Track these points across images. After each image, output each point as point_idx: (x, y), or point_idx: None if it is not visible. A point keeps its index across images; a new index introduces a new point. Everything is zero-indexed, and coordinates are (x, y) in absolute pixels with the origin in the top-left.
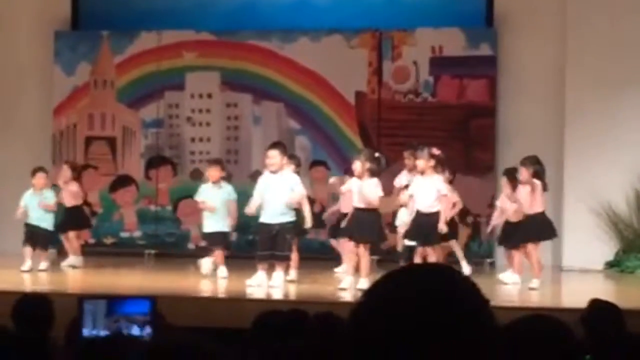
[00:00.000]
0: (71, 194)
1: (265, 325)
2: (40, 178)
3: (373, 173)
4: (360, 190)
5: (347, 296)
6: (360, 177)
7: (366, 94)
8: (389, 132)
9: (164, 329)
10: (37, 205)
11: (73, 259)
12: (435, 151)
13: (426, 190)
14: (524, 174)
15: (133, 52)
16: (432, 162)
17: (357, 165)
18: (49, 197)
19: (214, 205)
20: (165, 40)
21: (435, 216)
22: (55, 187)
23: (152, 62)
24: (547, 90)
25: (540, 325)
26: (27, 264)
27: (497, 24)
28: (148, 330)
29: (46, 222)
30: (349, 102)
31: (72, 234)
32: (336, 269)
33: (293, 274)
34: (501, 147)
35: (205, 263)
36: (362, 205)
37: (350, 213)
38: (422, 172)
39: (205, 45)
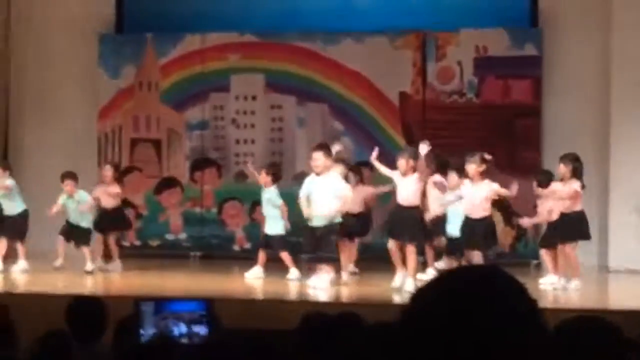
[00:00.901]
0: (111, 195)
1: (312, 328)
2: (67, 185)
3: (415, 170)
4: (405, 187)
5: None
6: (404, 174)
7: (410, 94)
8: (434, 133)
9: (220, 330)
10: (74, 209)
11: (114, 263)
12: (487, 156)
13: (476, 196)
14: (562, 170)
15: (177, 54)
16: (483, 167)
17: (401, 163)
18: (84, 198)
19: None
20: (210, 42)
21: (485, 221)
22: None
23: (196, 64)
24: (592, 90)
25: (589, 326)
26: (59, 261)
27: (541, 24)
28: (197, 329)
29: (85, 221)
30: (393, 103)
31: (111, 237)
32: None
33: (344, 275)
34: (547, 147)
35: (253, 273)
36: (404, 204)
37: (392, 211)
38: (472, 178)
39: (250, 47)
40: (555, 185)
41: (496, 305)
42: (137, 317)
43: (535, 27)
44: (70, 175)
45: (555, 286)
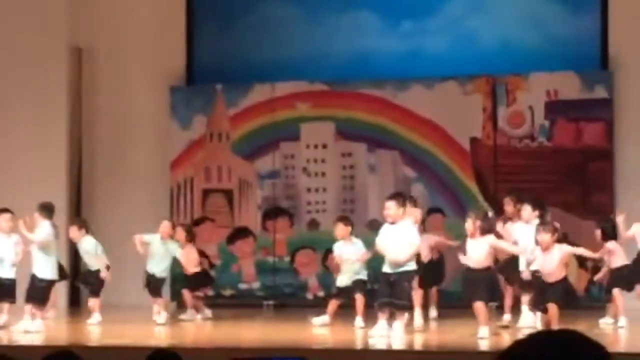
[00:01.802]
0: (191, 260)
1: None
2: (165, 227)
3: (484, 231)
4: (475, 249)
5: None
6: (472, 236)
7: (481, 139)
8: (505, 178)
9: None
10: (160, 253)
11: (192, 313)
12: (556, 224)
13: (549, 263)
14: None
15: (247, 104)
16: (556, 236)
17: (468, 224)
18: (174, 249)
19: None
20: (279, 91)
21: (562, 283)
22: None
23: (266, 114)
24: None
25: None
26: (162, 315)
27: (612, 67)
28: None
29: (164, 270)
30: (464, 149)
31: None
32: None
33: (419, 321)
34: (619, 190)
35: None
36: (476, 266)
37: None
38: (546, 248)
39: (319, 96)
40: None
41: None
42: None
43: (605, 70)
44: (169, 220)
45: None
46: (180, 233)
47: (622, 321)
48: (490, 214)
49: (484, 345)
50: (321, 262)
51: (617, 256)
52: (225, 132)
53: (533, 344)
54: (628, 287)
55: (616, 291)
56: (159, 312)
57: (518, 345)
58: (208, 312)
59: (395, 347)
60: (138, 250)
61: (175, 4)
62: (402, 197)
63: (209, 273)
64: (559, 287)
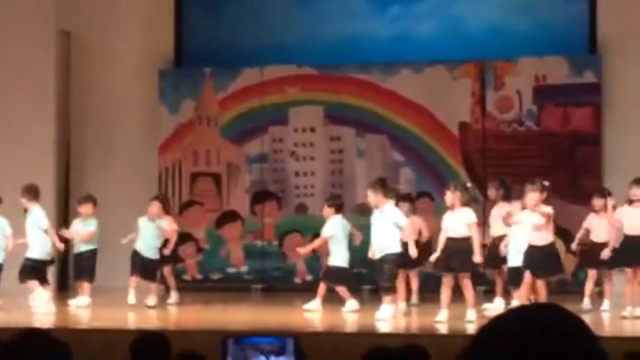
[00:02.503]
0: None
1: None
2: (154, 206)
3: (464, 203)
4: (451, 220)
5: (443, 329)
6: (451, 207)
7: (470, 124)
8: (494, 162)
9: None
10: (150, 235)
11: (173, 295)
12: (546, 182)
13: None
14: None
15: (236, 88)
16: (545, 195)
17: (448, 197)
18: (164, 225)
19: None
20: (268, 75)
21: (549, 247)
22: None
23: (255, 98)
24: None
25: None
26: (131, 296)
27: (600, 51)
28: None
29: (153, 252)
30: (452, 133)
31: (168, 270)
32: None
33: (402, 306)
34: (607, 175)
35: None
36: (455, 235)
37: (443, 244)
38: (535, 206)
39: (308, 80)
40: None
41: (561, 344)
42: (224, 353)
43: (594, 54)
44: (158, 198)
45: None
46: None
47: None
48: (469, 184)
49: (471, 329)
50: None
51: (598, 230)
52: (213, 116)
53: (511, 318)
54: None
55: (591, 272)
56: (152, 294)
57: (496, 320)
58: (176, 296)
59: (383, 329)
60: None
61: None
62: (379, 182)
63: (177, 251)
64: (545, 253)
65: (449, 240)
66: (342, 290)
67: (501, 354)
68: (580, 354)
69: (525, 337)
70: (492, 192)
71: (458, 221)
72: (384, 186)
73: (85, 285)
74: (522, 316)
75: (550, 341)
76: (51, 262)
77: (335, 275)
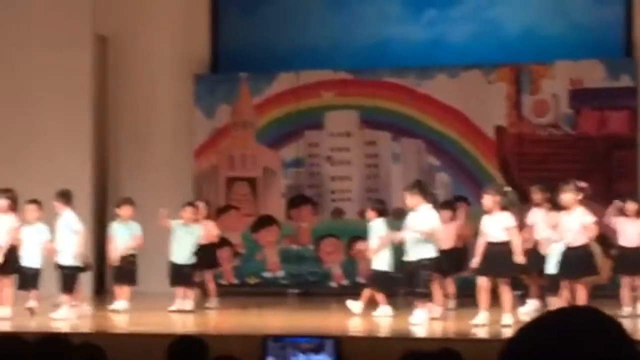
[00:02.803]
0: (211, 236)
1: None
2: (188, 212)
3: (503, 207)
4: (490, 224)
5: (481, 332)
6: (489, 211)
7: (506, 128)
8: (530, 167)
9: None
10: (185, 241)
11: (212, 300)
12: (582, 184)
13: (573, 224)
14: None
15: (272, 92)
16: (580, 196)
17: (486, 200)
18: (196, 230)
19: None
20: (303, 80)
21: (584, 249)
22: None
23: (291, 102)
24: None
25: None
26: (177, 304)
27: (636, 54)
28: (315, 358)
29: (189, 258)
30: (488, 137)
31: (208, 275)
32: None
33: (438, 310)
34: None
35: (355, 305)
36: (494, 240)
37: (483, 248)
38: (569, 207)
39: (343, 84)
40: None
41: (598, 347)
42: (263, 351)
43: (630, 57)
44: (191, 204)
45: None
46: (202, 209)
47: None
48: (508, 188)
49: (507, 333)
50: (345, 250)
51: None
52: (249, 121)
53: (548, 321)
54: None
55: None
56: (185, 299)
57: (533, 323)
58: (215, 302)
59: (418, 334)
60: (161, 223)
61: None
62: (417, 184)
63: (216, 255)
64: (580, 255)
65: (489, 244)
66: (380, 296)
67: (538, 357)
68: (618, 357)
69: (562, 340)
70: (536, 196)
71: (497, 225)
72: (422, 188)
73: (125, 289)
74: (559, 319)
75: (587, 344)
76: (83, 268)
77: (379, 280)
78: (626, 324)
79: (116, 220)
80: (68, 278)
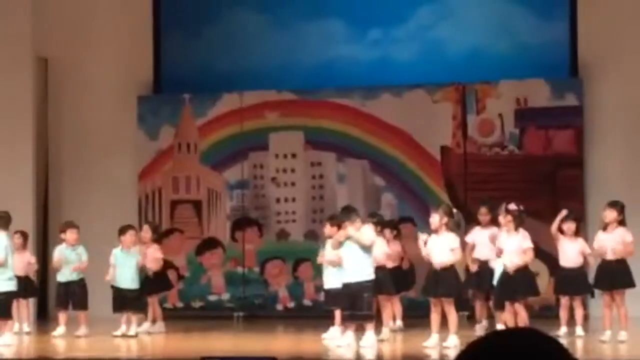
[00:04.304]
0: (154, 260)
1: None
2: (129, 236)
3: (450, 228)
4: (437, 245)
5: (433, 354)
6: (437, 231)
7: (451, 148)
8: (476, 187)
9: None
10: (126, 266)
11: (159, 325)
12: (513, 206)
13: (512, 247)
14: (609, 216)
15: (215, 114)
16: (509, 218)
17: (434, 219)
18: (135, 255)
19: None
20: (247, 101)
21: (522, 271)
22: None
23: (234, 124)
24: (636, 138)
25: None
26: (122, 329)
27: (581, 74)
28: None
29: (135, 283)
30: (434, 157)
31: (155, 299)
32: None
33: (385, 332)
34: (590, 198)
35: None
36: (439, 261)
37: (429, 270)
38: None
39: (288, 105)
40: (601, 235)
41: None
42: None
43: (575, 77)
44: (132, 227)
45: (604, 338)
46: (147, 232)
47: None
48: (455, 210)
49: (452, 355)
50: (291, 272)
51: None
52: (193, 142)
53: (487, 344)
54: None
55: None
56: (128, 324)
57: (472, 346)
58: (161, 326)
59: (368, 357)
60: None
61: (142, 14)
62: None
63: (169, 277)
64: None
65: (435, 265)
66: (338, 314)
67: None
68: None
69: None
70: (482, 216)
71: (443, 246)
72: (356, 212)
73: (82, 315)
74: (497, 341)
75: None
76: (16, 293)
77: (335, 298)
78: (565, 343)
79: (61, 245)
80: (2, 303)
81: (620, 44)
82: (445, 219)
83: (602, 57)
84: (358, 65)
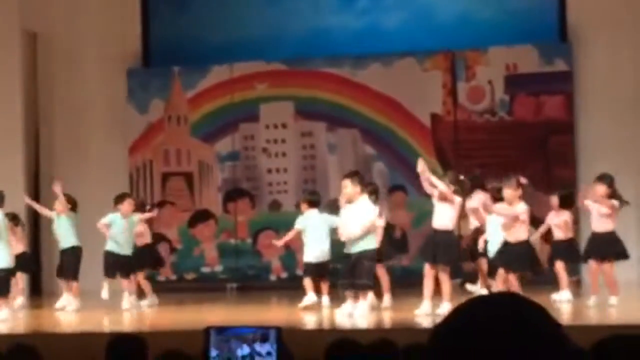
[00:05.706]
0: (138, 233)
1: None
2: (128, 204)
3: (457, 195)
4: (440, 211)
5: (426, 322)
6: (445, 198)
7: (442, 116)
8: (467, 154)
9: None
10: (126, 233)
11: (151, 298)
12: (523, 180)
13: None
14: (603, 190)
15: (205, 86)
16: (520, 192)
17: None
18: (135, 222)
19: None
20: (237, 72)
21: (523, 244)
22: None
23: (225, 95)
24: (626, 103)
25: (627, 345)
26: (105, 292)
27: (571, 38)
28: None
29: (129, 249)
30: (424, 125)
31: (141, 275)
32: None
33: (387, 300)
34: (581, 163)
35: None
36: (438, 227)
37: (427, 235)
38: (510, 202)
39: (277, 75)
40: (590, 204)
41: (520, 329)
42: (207, 343)
43: (564, 42)
44: (129, 195)
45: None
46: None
47: (566, 294)
48: (462, 177)
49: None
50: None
51: (563, 229)
52: (183, 115)
53: (471, 309)
54: (572, 260)
55: (559, 264)
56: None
57: (456, 311)
58: (155, 299)
59: (360, 326)
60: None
61: None
62: (357, 175)
63: (159, 254)
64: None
65: (434, 231)
66: (306, 282)
67: (460, 345)
68: (542, 341)
69: (483, 327)
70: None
71: (444, 213)
72: (361, 178)
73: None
74: (480, 306)
75: (509, 330)
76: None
77: (307, 270)
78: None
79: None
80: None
81: (609, 7)
82: (452, 187)
83: (591, 21)
84: (347, 34)
